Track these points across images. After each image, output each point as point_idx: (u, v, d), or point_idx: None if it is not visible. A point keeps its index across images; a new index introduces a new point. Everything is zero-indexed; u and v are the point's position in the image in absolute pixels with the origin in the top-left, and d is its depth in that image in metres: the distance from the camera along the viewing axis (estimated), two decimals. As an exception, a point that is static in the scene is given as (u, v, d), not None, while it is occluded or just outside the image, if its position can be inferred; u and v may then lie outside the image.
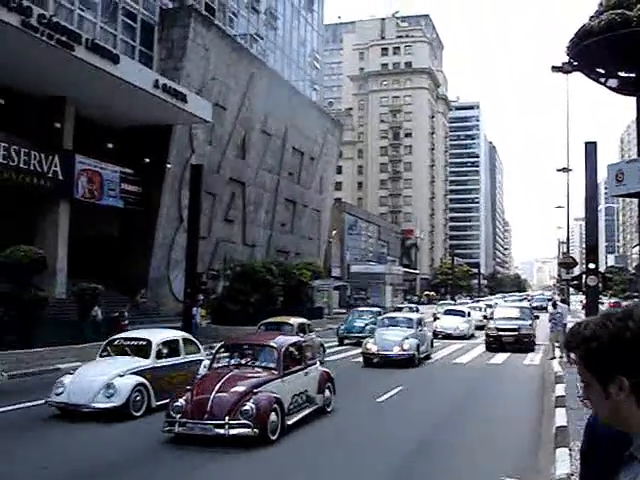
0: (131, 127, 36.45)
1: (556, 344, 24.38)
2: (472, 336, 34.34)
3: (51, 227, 32.55)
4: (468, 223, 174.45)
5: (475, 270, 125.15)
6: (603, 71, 9.57)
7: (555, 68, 34.74)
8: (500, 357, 26.02)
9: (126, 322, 26.20)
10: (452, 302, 58.78)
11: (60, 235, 32.63)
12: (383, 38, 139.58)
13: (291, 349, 12.70)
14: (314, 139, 61.87)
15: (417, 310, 39.86)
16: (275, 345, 12.45)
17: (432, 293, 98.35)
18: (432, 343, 26.33)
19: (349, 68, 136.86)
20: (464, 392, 17.79)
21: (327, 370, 14.54)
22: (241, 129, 48.26)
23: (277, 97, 52.80)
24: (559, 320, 25.58)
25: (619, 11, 8.34)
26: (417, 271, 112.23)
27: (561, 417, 12.20)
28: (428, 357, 24.54)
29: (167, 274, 39.89)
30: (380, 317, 27.41)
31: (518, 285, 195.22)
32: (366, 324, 30.06)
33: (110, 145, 36.67)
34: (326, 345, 25.16)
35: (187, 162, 38.32)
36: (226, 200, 47.03)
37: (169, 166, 38.77)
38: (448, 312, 37.28)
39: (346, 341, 30.42)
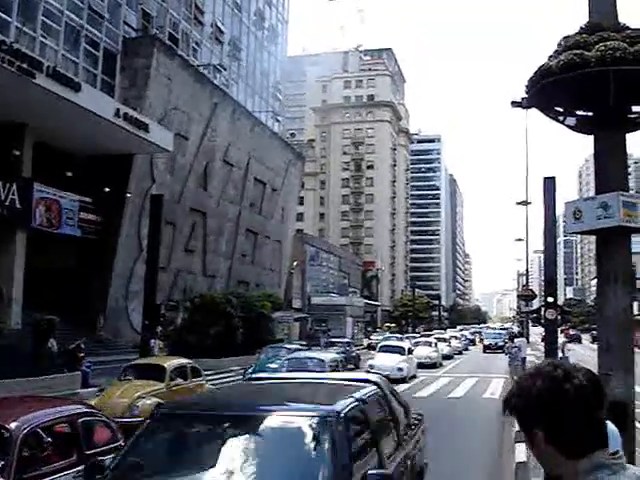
0: (91, 155, 36.09)
1: (515, 378, 24.48)
2: (413, 377, 30.07)
3: (7, 256, 31.86)
4: (429, 255, 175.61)
5: (436, 302, 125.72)
6: (561, 110, 9.66)
7: (514, 103, 35.21)
8: (460, 390, 26.04)
9: (83, 354, 25.64)
10: (398, 336, 55.64)
11: (16, 265, 31.97)
12: (346, 71, 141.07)
13: (42, 435, 6.63)
14: (276, 170, 61.98)
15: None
16: (10, 429, 6.35)
17: (393, 325, 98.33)
18: None
19: (312, 100, 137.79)
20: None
21: None
22: (203, 159, 48.15)
23: (239, 128, 52.95)
24: (516, 354, 25.73)
25: (578, 51, 8.42)
26: (378, 303, 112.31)
27: (521, 452, 12.16)
28: None
29: (125, 305, 39.32)
30: (287, 357, 21.26)
31: (478, 317, 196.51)
32: (282, 366, 25.61)
33: (69, 173, 36.20)
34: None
35: (147, 192, 38.02)
36: (187, 230, 46.72)
37: (129, 195, 38.43)
38: (384, 349, 32.56)
39: None
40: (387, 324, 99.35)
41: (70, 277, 36.26)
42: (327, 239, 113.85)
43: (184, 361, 17.78)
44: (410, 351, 31.94)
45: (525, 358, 27.30)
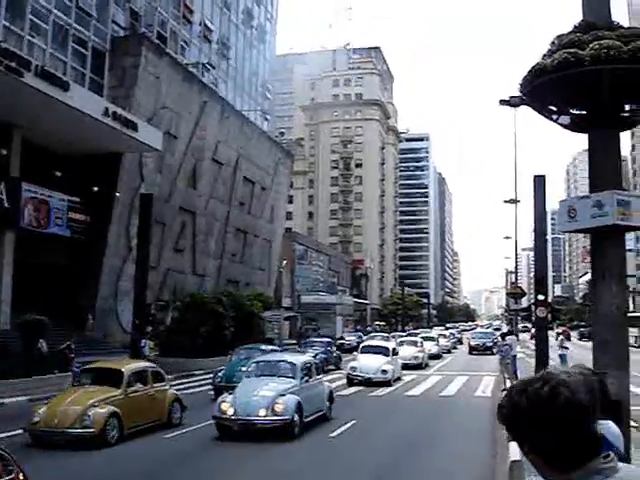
0: (80, 155, 35.89)
1: (506, 375, 24.58)
2: (398, 379, 28.44)
3: (-5, 256, 31.69)
4: (418, 253, 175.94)
5: (425, 300, 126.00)
6: (555, 108, 9.68)
7: (503, 101, 35.41)
8: (452, 388, 26.11)
9: (73, 355, 25.53)
10: (383, 334, 54.24)
11: (5, 265, 31.77)
12: (334, 69, 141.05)
13: None
14: (265, 169, 61.87)
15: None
16: None
17: (382, 323, 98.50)
18: (330, 399, 18.25)
19: (300, 98, 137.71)
20: (417, 426, 17.71)
21: None
22: (192, 158, 48.00)
23: (228, 126, 52.83)
24: (507, 352, 25.85)
25: (572, 50, 8.43)
26: (367, 301, 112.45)
27: (515, 451, 12.17)
28: (325, 418, 17.60)
29: (115, 305, 39.15)
30: (252, 362, 18.39)
31: (467, 315, 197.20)
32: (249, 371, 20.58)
33: (58, 173, 36.00)
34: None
35: (136, 191, 37.84)
36: (176, 229, 46.57)
37: (118, 195, 38.26)
38: (366, 349, 29.99)
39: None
40: (377, 322, 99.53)
41: (59, 277, 36.07)
42: (316, 238, 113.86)
43: (145, 364, 17.18)
44: (395, 352, 29.70)
45: (516, 356, 27.42)
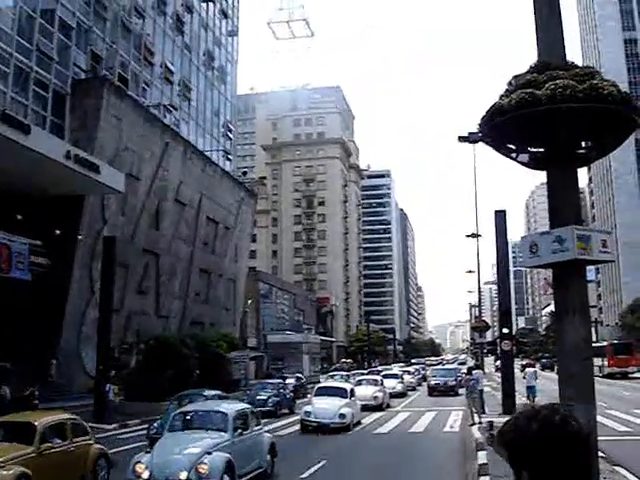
0: (42, 197, 35.57)
1: (474, 410, 24.64)
2: (358, 423, 25.99)
3: (-46, 302, 31.09)
4: (382, 289, 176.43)
5: (390, 336, 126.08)
6: (514, 147, 9.94)
7: (462, 138, 36.09)
8: (421, 424, 26.08)
9: (37, 401, 25.02)
10: (342, 374, 50.46)
11: (-36, 311, 31.19)
12: (295, 109, 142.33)
13: None
14: (228, 208, 61.91)
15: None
16: None
17: (349, 360, 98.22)
18: (272, 452, 15.89)
19: (262, 138, 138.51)
20: (388, 462, 17.65)
21: None
22: (155, 199, 47.86)
23: (191, 167, 52.91)
24: (474, 387, 25.96)
25: (529, 90, 8.69)
26: (333, 339, 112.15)
27: (485, 485, 12.22)
28: (265, 475, 15.32)
29: (78, 349, 38.55)
30: (175, 413, 15.57)
31: (433, 350, 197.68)
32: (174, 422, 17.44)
33: (19, 216, 35.60)
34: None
35: (99, 233, 37.58)
36: (139, 271, 46.19)
37: (80, 237, 37.91)
38: (322, 392, 26.70)
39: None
40: (343, 360, 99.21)
41: (21, 322, 35.44)
42: (281, 276, 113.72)
43: (64, 417, 14.57)
44: (353, 393, 27.07)
45: (482, 390, 27.53)
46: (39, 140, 31.27)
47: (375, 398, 32.86)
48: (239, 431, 14.21)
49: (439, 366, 68.81)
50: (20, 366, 30.06)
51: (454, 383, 42.65)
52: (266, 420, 25.65)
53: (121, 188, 37.92)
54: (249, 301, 69.27)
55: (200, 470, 12.31)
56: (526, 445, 1.87)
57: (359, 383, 35.18)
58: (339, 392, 26.06)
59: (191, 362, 37.10)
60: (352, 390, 27.14)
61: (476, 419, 23.51)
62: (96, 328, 29.53)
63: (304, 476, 15.38)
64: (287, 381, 39.82)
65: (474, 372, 28.09)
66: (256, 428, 15.40)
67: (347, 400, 25.14)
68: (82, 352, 38.37)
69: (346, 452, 19.74)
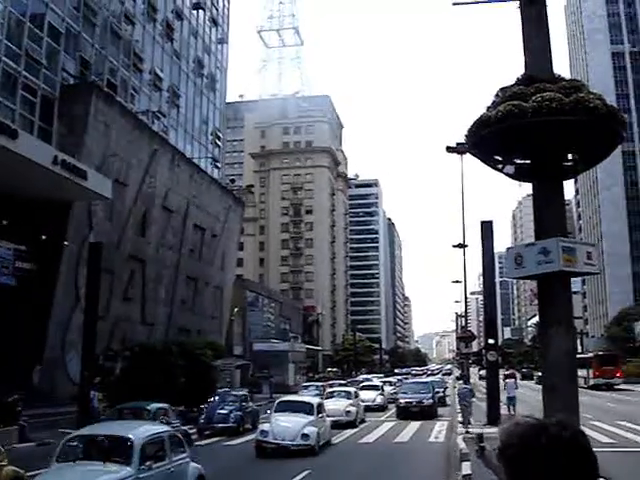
0: (28, 203, 35.36)
1: (459, 419, 24.71)
2: (328, 444, 22.69)
3: (-62, 308, 30.83)
4: (369, 298, 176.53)
5: (376, 345, 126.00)
6: (500, 158, 9.98)
7: (450, 149, 36.21)
8: (406, 434, 26.07)
9: (20, 408, 24.80)
10: (317, 384, 44.86)
11: (-53, 316, 30.94)
12: (284, 117, 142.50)
13: None
14: (216, 216, 61.82)
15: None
16: None
17: (335, 369, 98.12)
18: None
19: (250, 146, 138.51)
20: (374, 472, 17.62)
21: None
22: (142, 205, 47.71)
23: (179, 174, 52.80)
24: (466, 394, 26.13)
25: (515, 102, 8.74)
26: (319, 347, 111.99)
27: (469, 497, 12.20)
28: None
29: (63, 355, 38.29)
30: (68, 438, 12.13)
31: (418, 359, 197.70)
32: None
33: (5, 221, 35.39)
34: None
35: (85, 239, 37.36)
36: (125, 278, 45.98)
37: (66, 243, 37.71)
38: (283, 407, 22.82)
39: None
40: (329, 369, 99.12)
41: (5, 327, 35.18)
42: (267, 284, 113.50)
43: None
44: (321, 408, 23.60)
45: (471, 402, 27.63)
46: (26, 145, 31.10)
47: (348, 413, 29.62)
48: (148, 463, 10.97)
49: (412, 379, 56.64)
50: (3, 372, 29.86)
51: (431, 402, 33.73)
52: (224, 438, 24.65)
53: (108, 194, 37.77)
54: (235, 309, 69.09)
55: None
56: (534, 459, 1.80)
57: (330, 396, 32.17)
58: (304, 407, 22.32)
59: (176, 370, 36.92)
60: (320, 405, 23.48)
61: (461, 429, 23.54)
62: (81, 334, 29.31)
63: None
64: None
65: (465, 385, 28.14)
66: (178, 457, 12.08)
67: (313, 417, 21.47)
68: (66, 358, 38.12)
69: (328, 462, 19.62)
